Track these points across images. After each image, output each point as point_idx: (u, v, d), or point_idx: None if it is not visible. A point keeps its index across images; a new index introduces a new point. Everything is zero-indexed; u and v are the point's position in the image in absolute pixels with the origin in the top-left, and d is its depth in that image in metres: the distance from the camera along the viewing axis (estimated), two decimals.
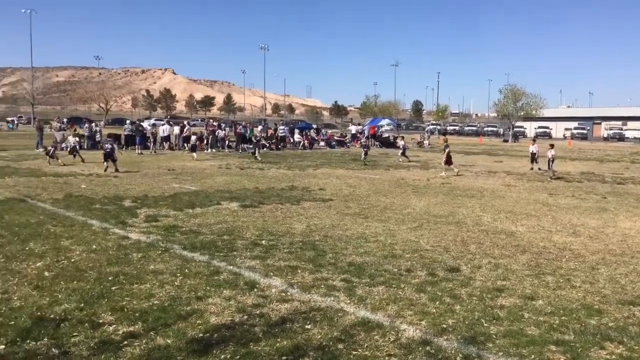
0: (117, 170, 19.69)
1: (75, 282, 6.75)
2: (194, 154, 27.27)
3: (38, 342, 4.97)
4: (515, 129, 66.94)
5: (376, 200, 14.59)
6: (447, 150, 22.28)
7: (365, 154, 28.48)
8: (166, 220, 10.94)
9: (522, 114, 65.37)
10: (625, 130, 76.93)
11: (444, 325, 5.72)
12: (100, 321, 5.52)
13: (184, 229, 10.14)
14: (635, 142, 68.29)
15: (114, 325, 5.42)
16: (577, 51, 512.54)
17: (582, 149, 47.70)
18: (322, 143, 41.01)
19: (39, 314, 5.65)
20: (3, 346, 4.87)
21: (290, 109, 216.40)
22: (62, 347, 4.88)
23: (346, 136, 44.79)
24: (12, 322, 5.40)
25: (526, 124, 78.60)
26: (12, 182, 16.18)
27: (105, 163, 19.97)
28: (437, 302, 6.42)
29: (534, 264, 8.38)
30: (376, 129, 46.13)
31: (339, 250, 8.84)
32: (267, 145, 35.81)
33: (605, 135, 76.74)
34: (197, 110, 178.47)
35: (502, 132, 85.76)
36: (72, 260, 7.74)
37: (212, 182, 17.49)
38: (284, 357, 4.85)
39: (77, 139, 27.04)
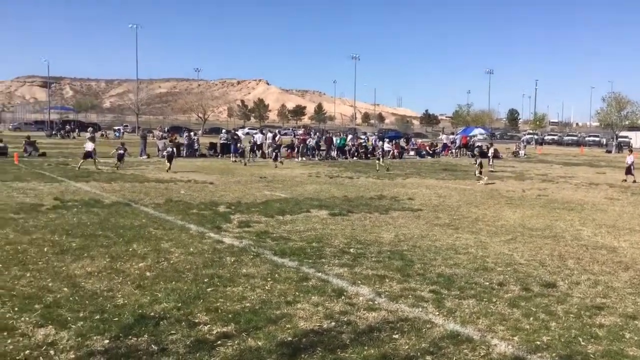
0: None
1: (173, 282, 7.11)
2: (277, 162, 28.11)
3: (139, 339, 5.29)
4: (619, 139, 62.99)
5: (467, 211, 14.25)
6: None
7: (379, 158, 28.67)
8: (258, 226, 11.27)
9: (626, 123, 61.44)
10: None
11: (538, 342, 5.51)
12: (196, 321, 5.78)
13: (274, 235, 10.40)
14: None
15: (209, 325, 5.66)
16: None
17: None
18: (411, 152, 40.59)
19: (140, 311, 6.01)
20: (107, 341, 5.21)
21: (380, 118, 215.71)
22: (161, 344, 5.16)
23: (437, 145, 44.02)
24: (116, 319, 5.77)
25: (631, 134, 73.72)
26: (118, 187, 17.28)
27: (168, 164, 23.12)
28: (531, 318, 6.19)
29: (637, 281, 7.87)
30: (468, 138, 45.07)
31: (428, 261, 8.73)
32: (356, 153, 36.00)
33: None
34: (288, 119, 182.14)
35: (604, 142, 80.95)
36: (171, 261, 8.16)
37: (302, 190, 17.80)
38: None
39: (173, 147, 28.53)
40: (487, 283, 7.55)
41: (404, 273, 7.90)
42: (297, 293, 6.82)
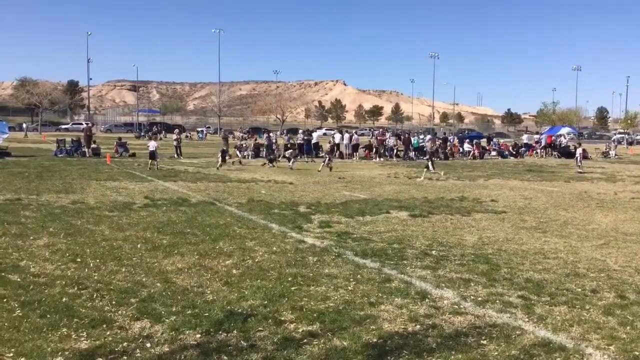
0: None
1: (259, 280, 7.28)
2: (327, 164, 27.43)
3: (229, 334, 5.45)
4: None
5: (555, 214, 13.69)
6: None
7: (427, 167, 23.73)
8: (338, 226, 11.33)
9: None
10: None
11: (636, 353, 5.21)
12: (282, 318, 5.89)
13: (355, 235, 10.42)
14: None
15: (294, 324, 5.75)
16: None
17: None
18: (493, 153, 39.45)
19: (228, 307, 6.19)
20: (199, 335, 5.41)
21: (459, 117, 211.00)
22: (249, 340, 5.30)
23: (521, 145, 42.54)
24: (206, 314, 5.98)
25: None
26: (203, 186, 17.90)
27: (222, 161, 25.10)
28: (628, 327, 5.87)
29: None
30: (553, 138, 43.23)
31: (515, 265, 8.46)
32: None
33: None
34: (365, 119, 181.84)
35: None
36: (256, 260, 8.35)
37: (380, 191, 17.73)
38: None
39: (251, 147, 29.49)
40: (579, 289, 7.22)
41: (490, 277, 7.70)
42: (380, 294, 6.79)
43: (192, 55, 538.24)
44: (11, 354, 4.88)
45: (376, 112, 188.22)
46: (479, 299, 6.75)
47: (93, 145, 30.45)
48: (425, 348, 5.22)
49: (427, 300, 6.64)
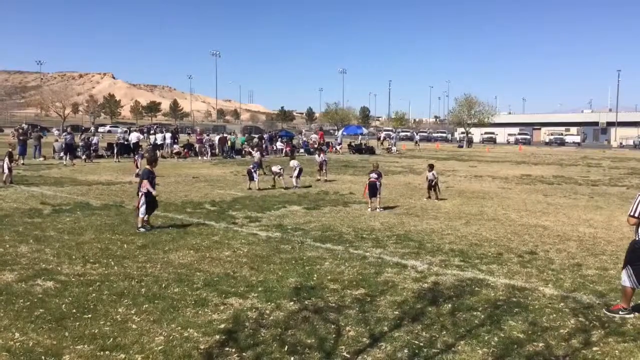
0: None
1: (271, 265, 8.82)
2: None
3: (313, 300, 7.08)
4: (469, 135, 71.44)
5: (408, 202, 17.00)
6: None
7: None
8: (263, 220, 13.01)
9: (475, 121, 69.99)
10: (565, 135, 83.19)
11: (567, 284, 8.18)
12: (332, 287, 7.66)
13: (288, 227, 12.22)
14: (575, 146, 74.15)
15: (345, 290, 7.58)
16: (510, 56, 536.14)
17: (534, 154, 51.92)
18: (301, 150, 43.14)
19: (286, 283, 7.73)
20: (292, 303, 6.93)
21: (236, 114, 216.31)
22: (330, 302, 7.02)
23: (323, 143, 47.22)
24: (275, 290, 7.45)
25: (473, 130, 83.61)
26: (78, 190, 17.59)
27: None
28: (546, 272, 8.88)
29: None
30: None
31: (430, 240, 11.20)
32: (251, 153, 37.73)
33: (547, 141, 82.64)
34: (142, 115, 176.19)
35: (450, 138, 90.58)
36: (244, 250, 9.78)
37: (246, 188, 19.37)
38: None
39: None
40: (489, 253, 10.20)
41: (425, 249, 10.31)
42: (372, 267, 8.89)
43: None
44: (162, 326, 5.94)
45: (154, 108, 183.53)
46: (438, 264, 9.26)
47: None
48: (443, 296, 7.50)
49: (408, 268, 8.94)
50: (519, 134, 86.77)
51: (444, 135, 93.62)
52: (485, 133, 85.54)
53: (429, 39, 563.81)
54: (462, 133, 73.04)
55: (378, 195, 15.39)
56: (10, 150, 20.07)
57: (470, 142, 68.15)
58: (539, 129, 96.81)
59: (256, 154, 24.81)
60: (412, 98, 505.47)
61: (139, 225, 11.25)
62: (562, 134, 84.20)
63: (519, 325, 6.45)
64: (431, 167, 18.27)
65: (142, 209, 11.25)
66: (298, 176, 20.32)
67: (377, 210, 14.98)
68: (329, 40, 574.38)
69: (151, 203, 11.46)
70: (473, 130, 76.27)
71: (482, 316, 6.71)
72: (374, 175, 15.58)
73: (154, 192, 11.43)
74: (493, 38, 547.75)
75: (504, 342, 5.91)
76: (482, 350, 5.68)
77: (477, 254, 10.13)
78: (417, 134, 77.29)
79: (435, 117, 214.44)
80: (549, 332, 6.27)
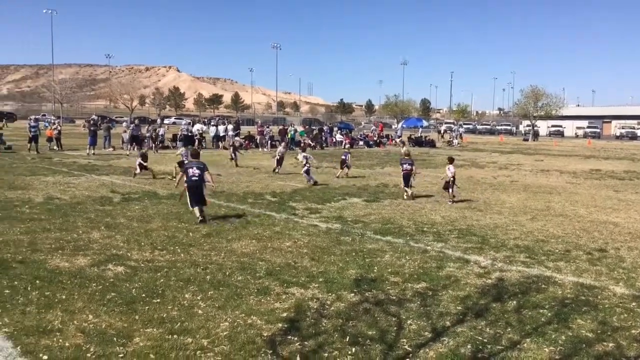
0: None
1: (331, 256, 8.86)
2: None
3: (373, 292, 7.08)
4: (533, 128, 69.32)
5: (470, 196, 16.68)
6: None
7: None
8: (323, 212, 13.06)
9: (542, 113, 67.81)
10: (638, 129, 79.18)
11: (639, 284, 7.83)
12: (393, 280, 7.63)
13: (348, 219, 12.24)
14: None
15: (406, 283, 7.53)
16: (579, 48, 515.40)
17: (604, 148, 49.80)
18: (360, 143, 43.07)
19: (346, 275, 7.76)
20: (352, 294, 6.95)
21: (295, 106, 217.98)
22: (390, 295, 6.99)
23: (383, 136, 46.99)
24: (336, 281, 7.49)
25: (539, 123, 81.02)
26: (145, 180, 18.21)
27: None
28: (616, 270, 8.53)
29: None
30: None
31: (494, 235, 10.95)
32: (311, 145, 37.92)
33: (618, 134, 78.97)
34: (205, 108, 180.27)
35: (515, 131, 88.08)
36: (305, 241, 9.86)
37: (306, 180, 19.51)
38: None
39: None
40: (557, 250, 9.88)
41: (489, 245, 10.09)
42: (433, 261, 8.78)
43: (1, 35, 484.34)
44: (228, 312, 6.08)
45: (216, 100, 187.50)
46: (502, 260, 9.05)
47: None
48: (508, 292, 7.32)
49: (470, 263, 8.78)
50: (588, 127, 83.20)
51: (509, 127, 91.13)
52: (553, 126, 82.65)
53: (493, 28, 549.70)
54: (528, 126, 70.87)
55: (411, 185, 15.78)
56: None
57: (536, 135, 66.08)
58: (609, 122, 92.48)
59: (280, 147, 24.15)
60: (475, 90, 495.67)
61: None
62: (634, 128, 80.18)
63: (587, 324, 6.23)
64: (451, 160, 16.15)
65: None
66: (308, 172, 18.65)
67: (412, 201, 15.20)
68: (390, 31, 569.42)
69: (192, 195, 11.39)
70: (539, 123, 73.92)
71: (549, 314, 6.51)
72: (407, 165, 15.71)
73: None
74: (561, 28, 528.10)
75: (571, 341, 5.73)
76: (548, 349, 5.53)
77: (544, 250, 9.83)
78: (460, 126, 74.16)
79: (499, 109, 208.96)
80: (620, 332, 6.03)
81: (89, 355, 4.99)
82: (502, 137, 68.31)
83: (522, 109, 70.57)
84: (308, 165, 18.86)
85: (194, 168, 11.53)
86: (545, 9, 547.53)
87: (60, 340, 5.26)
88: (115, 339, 5.36)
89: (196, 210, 11.31)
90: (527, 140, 63.47)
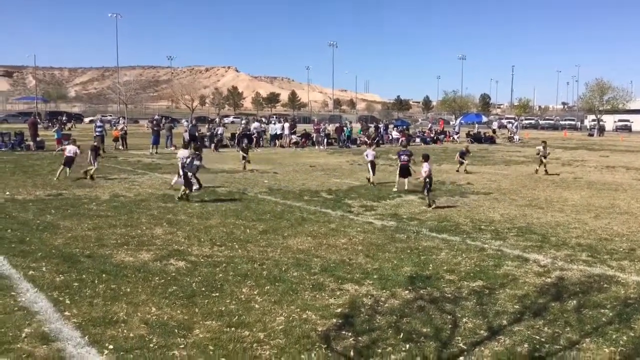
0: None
1: (386, 253, 8.89)
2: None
3: (427, 289, 7.06)
4: (602, 123, 66.69)
5: (531, 194, 16.24)
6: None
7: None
8: (378, 209, 13.06)
9: (608, 107, 65.14)
10: None
11: None
12: (448, 278, 7.59)
13: (403, 217, 12.21)
14: None
15: (462, 281, 7.47)
16: None
17: None
18: (417, 140, 42.63)
19: (400, 272, 7.77)
20: (407, 291, 6.95)
21: (352, 104, 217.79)
22: (445, 293, 6.95)
23: (440, 132, 46.36)
24: (391, 277, 7.51)
25: (605, 117, 77.75)
26: (203, 177, 18.74)
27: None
28: None
29: None
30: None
31: (554, 234, 10.68)
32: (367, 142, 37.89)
33: None
34: (263, 106, 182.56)
35: (579, 126, 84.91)
36: (360, 238, 9.92)
37: (361, 177, 19.44)
38: None
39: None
40: (620, 249, 9.54)
41: (549, 243, 9.85)
42: (490, 259, 8.67)
43: (70, 39, 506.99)
44: (282, 305, 6.21)
45: (273, 99, 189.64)
46: (563, 259, 8.81)
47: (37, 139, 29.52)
48: (568, 292, 7.14)
49: (530, 262, 8.60)
50: None
51: (573, 122, 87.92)
52: (619, 120, 79.09)
53: (555, 20, 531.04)
54: (593, 120, 68.17)
55: (409, 177, 16.05)
56: (95, 144, 19.81)
57: (601, 130, 63.48)
58: None
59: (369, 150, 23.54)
60: (537, 84, 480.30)
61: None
62: None
63: None
64: (426, 158, 14.38)
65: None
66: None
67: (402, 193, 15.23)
68: (448, 24, 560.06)
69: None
70: (605, 117, 70.94)
71: (611, 314, 6.32)
72: (404, 157, 16.09)
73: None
74: (627, 18, 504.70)
75: (633, 342, 5.55)
76: (609, 349, 5.38)
77: (607, 249, 9.51)
78: (516, 120, 71.59)
79: (563, 103, 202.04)
80: None
81: (151, 345, 5.22)
82: (566, 133, 66.06)
83: (587, 103, 67.93)
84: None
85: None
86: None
87: (125, 331, 5.52)
88: (176, 330, 5.59)
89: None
90: (592, 135, 61.08)
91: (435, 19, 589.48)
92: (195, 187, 13.98)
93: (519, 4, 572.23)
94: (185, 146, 23.26)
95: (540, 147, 21.78)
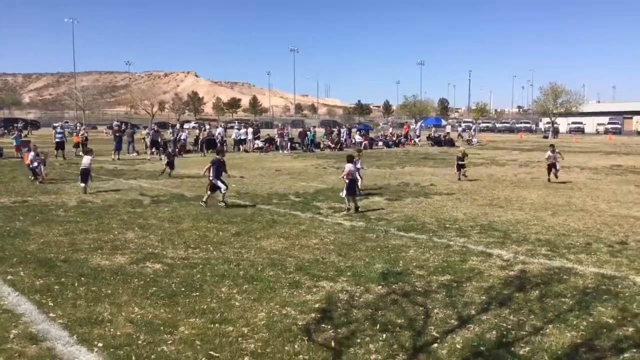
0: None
1: (357, 252, 9.20)
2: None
3: (400, 284, 7.39)
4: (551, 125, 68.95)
5: (492, 193, 16.79)
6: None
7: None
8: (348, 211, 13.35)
9: (562, 110, 67.47)
10: None
11: None
12: (419, 273, 7.94)
13: (372, 217, 12.55)
14: None
15: (432, 276, 7.83)
16: (599, 44, 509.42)
17: (625, 144, 49.41)
18: (380, 143, 43.31)
19: (373, 268, 8.08)
20: (380, 287, 7.27)
21: (313, 108, 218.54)
22: (416, 287, 7.30)
23: (401, 136, 47.17)
24: (364, 274, 7.81)
25: (559, 120, 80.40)
26: (171, 183, 18.68)
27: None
28: (636, 261, 8.73)
29: None
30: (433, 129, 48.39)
31: (515, 231, 11.17)
32: (331, 146, 38.28)
33: (639, 130, 78.11)
34: (224, 112, 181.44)
35: (534, 129, 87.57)
36: (331, 239, 10.20)
37: (328, 180, 19.81)
38: None
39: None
40: (577, 243, 10.09)
41: (510, 239, 10.33)
42: (457, 255, 9.07)
43: (24, 44, 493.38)
44: (262, 303, 6.44)
45: (234, 104, 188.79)
46: (524, 253, 9.29)
47: None
48: (530, 283, 7.58)
49: (493, 257, 9.04)
50: (609, 123, 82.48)
51: (528, 125, 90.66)
52: (573, 123, 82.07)
53: (510, 25, 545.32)
54: (548, 123, 70.53)
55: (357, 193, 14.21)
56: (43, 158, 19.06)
57: (556, 132, 65.73)
58: (631, 118, 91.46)
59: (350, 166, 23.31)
60: (494, 88, 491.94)
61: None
62: None
63: (608, 311, 6.48)
64: (350, 159, 13.94)
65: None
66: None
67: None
68: (406, 31, 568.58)
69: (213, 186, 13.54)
70: (559, 120, 73.46)
71: (571, 302, 6.77)
72: (350, 166, 13.41)
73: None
74: (580, 24, 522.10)
75: (592, 327, 5.99)
76: (570, 334, 5.79)
77: (565, 244, 10.05)
78: (474, 123, 73.19)
79: (519, 107, 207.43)
80: None
81: (139, 342, 5.38)
82: (522, 135, 68.08)
83: (542, 106, 70.37)
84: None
85: None
86: (564, 5, 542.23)
87: (112, 330, 5.66)
88: (162, 327, 5.75)
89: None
90: (547, 137, 63.15)
91: (395, 24, 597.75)
92: (223, 188, 13.70)
93: (475, 9, 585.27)
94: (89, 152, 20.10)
95: (549, 152, 19.88)
